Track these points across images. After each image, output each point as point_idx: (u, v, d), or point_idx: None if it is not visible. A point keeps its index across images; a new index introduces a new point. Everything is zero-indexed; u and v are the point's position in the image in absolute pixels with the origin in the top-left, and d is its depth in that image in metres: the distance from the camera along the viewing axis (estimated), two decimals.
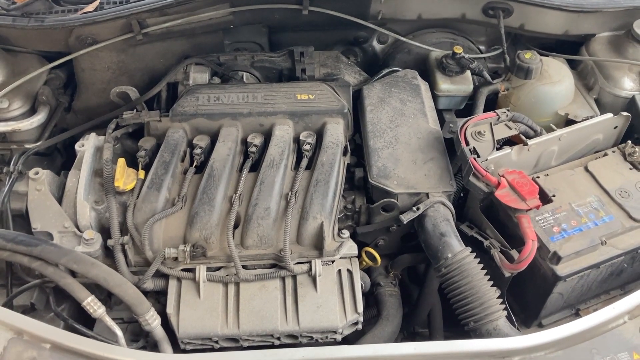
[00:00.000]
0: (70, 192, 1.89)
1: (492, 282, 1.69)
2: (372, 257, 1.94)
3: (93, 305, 1.60)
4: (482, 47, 2.64)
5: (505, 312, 1.65)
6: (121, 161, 1.91)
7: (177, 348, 1.73)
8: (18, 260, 1.63)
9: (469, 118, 1.96)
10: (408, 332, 2.21)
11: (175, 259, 1.74)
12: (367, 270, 2.00)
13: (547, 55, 2.40)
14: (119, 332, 1.61)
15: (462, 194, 2.11)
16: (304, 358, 1.40)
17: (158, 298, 1.82)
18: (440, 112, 2.27)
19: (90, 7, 2.16)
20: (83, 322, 1.70)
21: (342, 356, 1.42)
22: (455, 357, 1.42)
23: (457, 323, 1.72)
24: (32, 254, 1.61)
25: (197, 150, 1.96)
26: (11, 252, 1.62)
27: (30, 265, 1.62)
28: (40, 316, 1.81)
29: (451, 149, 2.00)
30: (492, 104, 2.37)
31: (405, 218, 1.83)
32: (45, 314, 1.82)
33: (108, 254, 1.80)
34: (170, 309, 1.70)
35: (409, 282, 2.28)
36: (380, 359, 1.41)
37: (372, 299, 2.02)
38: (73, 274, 1.67)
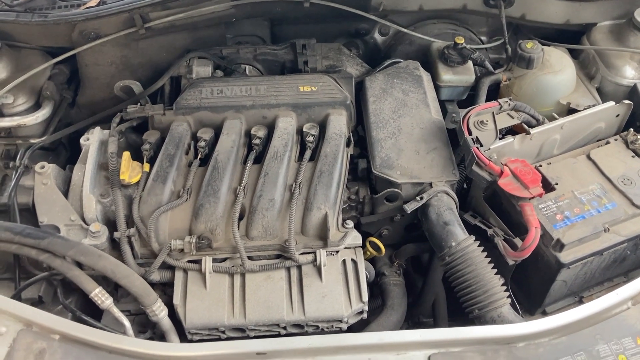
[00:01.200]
0: (76, 185, 1.90)
1: (496, 270, 1.69)
2: (376, 247, 1.95)
3: (101, 296, 1.62)
4: (483, 38, 2.64)
5: (509, 300, 1.66)
6: (126, 154, 1.92)
7: (184, 339, 1.74)
8: (26, 253, 1.64)
9: (471, 107, 1.97)
10: (413, 322, 2.22)
11: (181, 250, 1.75)
12: (372, 260, 2.02)
13: (548, 45, 2.40)
14: (126, 323, 1.63)
15: (465, 185, 2.12)
16: (311, 346, 1.41)
17: (164, 290, 1.83)
18: (442, 103, 2.27)
19: (92, 2, 2.18)
20: (90, 314, 1.71)
21: (348, 344, 1.43)
22: (461, 343, 1.42)
23: (462, 312, 1.73)
24: (40, 246, 1.62)
25: (201, 143, 1.97)
26: (19, 245, 1.63)
27: (38, 258, 1.63)
28: (48, 309, 1.81)
29: (454, 140, 2.00)
30: (494, 94, 2.37)
31: (409, 208, 1.83)
32: (52, 307, 1.83)
33: (114, 247, 1.81)
34: (177, 300, 1.71)
35: (413, 272, 2.29)
36: (386, 346, 1.42)
37: (376, 289, 2.03)
38: (80, 266, 1.68)
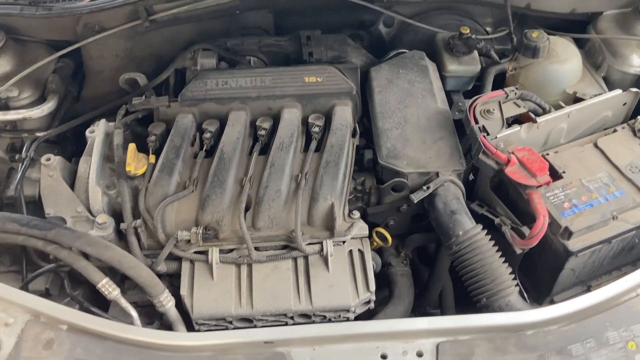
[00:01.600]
0: (82, 177, 1.91)
1: (503, 259, 1.69)
2: (383, 238, 1.95)
3: (108, 287, 1.62)
4: (488, 29, 2.63)
5: (517, 288, 1.65)
6: (132, 146, 1.92)
7: (191, 330, 1.74)
8: (33, 244, 1.64)
9: (477, 96, 1.96)
10: (419, 313, 2.21)
11: (188, 241, 1.75)
12: (378, 251, 2.01)
13: (554, 34, 2.38)
14: (134, 313, 1.63)
15: (471, 175, 2.10)
16: (319, 334, 1.41)
17: (171, 281, 1.82)
18: (448, 94, 2.26)
19: None
20: (98, 306, 1.71)
21: (356, 332, 1.43)
22: (469, 331, 1.42)
23: (469, 303, 1.72)
24: (47, 237, 1.62)
25: (207, 135, 1.97)
26: (26, 237, 1.63)
27: (45, 249, 1.64)
28: (55, 301, 1.79)
29: (460, 131, 2.00)
30: (499, 84, 2.35)
31: (416, 197, 1.83)
32: (60, 300, 1.83)
33: (121, 238, 1.81)
34: (184, 291, 1.71)
35: (419, 262, 2.28)
36: (394, 335, 1.42)
37: (383, 279, 2.02)
38: (87, 257, 1.68)
